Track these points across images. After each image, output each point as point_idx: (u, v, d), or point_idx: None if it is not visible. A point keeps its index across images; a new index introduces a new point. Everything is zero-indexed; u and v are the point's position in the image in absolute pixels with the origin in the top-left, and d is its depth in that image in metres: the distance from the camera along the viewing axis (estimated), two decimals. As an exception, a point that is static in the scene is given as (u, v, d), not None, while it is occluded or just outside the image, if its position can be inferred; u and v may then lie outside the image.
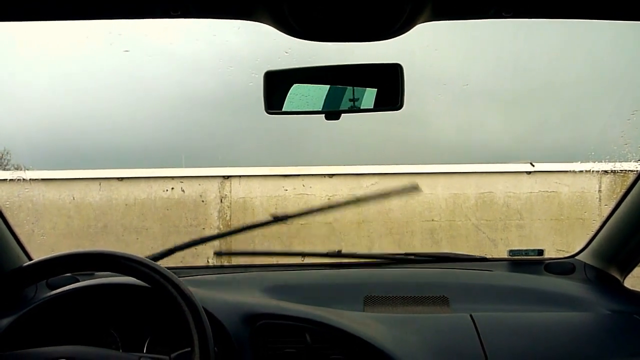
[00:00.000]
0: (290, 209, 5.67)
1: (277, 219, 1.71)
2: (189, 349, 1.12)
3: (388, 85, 1.28)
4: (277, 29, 1.07)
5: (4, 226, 1.52)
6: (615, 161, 4.63)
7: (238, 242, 5.64)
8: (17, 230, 1.58)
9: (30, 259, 1.62)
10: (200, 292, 1.33)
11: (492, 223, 5.74)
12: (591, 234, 1.74)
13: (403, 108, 1.29)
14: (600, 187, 5.70)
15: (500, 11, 1.04)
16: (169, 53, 5.65)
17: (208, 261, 5.46)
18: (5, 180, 5.19)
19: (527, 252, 1.77)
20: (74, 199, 5.56)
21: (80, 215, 5.54)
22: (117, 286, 1.38)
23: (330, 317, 1.40)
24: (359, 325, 1.39)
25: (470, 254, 1.83)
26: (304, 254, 1.88)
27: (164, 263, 1.39)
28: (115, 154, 6.08)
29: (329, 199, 5.70)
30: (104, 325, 1.42)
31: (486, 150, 6.20)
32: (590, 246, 1.74)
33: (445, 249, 5.61)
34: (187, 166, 5.77)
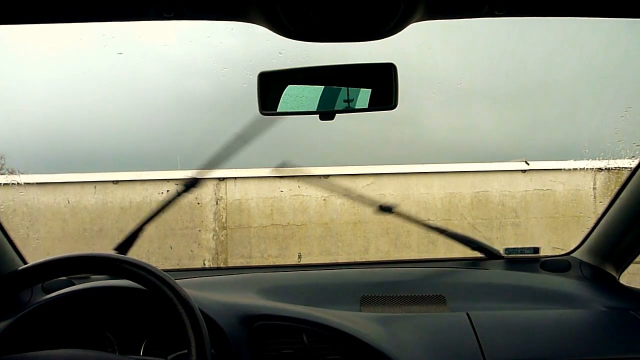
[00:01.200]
0: (286, 210, 5.67)
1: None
2: (186, 351, 1.11)
3: (382, 85, 1.28)
4: (271, 30, 1.07)
5: (-2, 230, 1.51)
6: (609, 158, 4.65)
7: (234, 244, 5.65)
8: (12, 234, 1.57)
9: (25, 262, 1.61)
10: (197, 294, 1.32)
11: (487, 222, 5.76)
12: (586, 231, 1.74)
13: (397, 108, 1.29)
14: (594, 184, 5.72)
15: (492, 10, 1.05)
16: (163, 55, 5.64)
17: (204, 263, 5.46)
18: (-1, 184, 5.18)
19: (522, 250, 1.77)
20: (69, 202, 5.55)
21: (76, 218, 5.53)
22: (113, 289, 1.37)
23: (327, 318, 1.40)
24: (356, 325, 1.39)
25: (466, 253, 1.83)
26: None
27: (159, 265, 1.39)
28: (110, 157, 6.07)
29: (324, 200, 5.70)
30: (100, 328, 1.41)
31: (481, 149, 6.22)
32: (585, 243, 1.74)
33: (441, 248, 5.62)
34: (182, 168, 5.77)
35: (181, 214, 5.61)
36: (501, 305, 1.56)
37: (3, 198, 5.12)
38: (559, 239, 5.64)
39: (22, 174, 5.56)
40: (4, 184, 5.18)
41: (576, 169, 5.64)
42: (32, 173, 5.58)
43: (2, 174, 5.86)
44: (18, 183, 5.23)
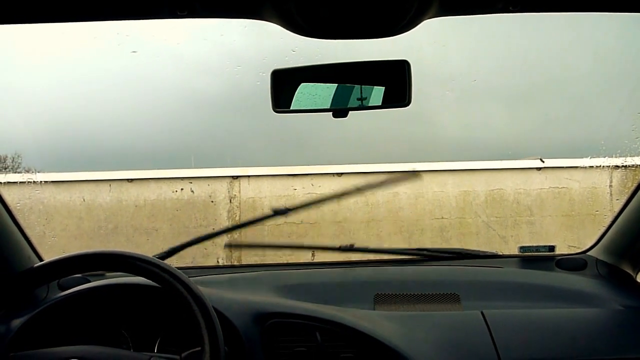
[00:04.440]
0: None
1: (278, 213, 1.71)
2: (200, 348, 1.12)
3: (395, 82, 1.28)
4: (284, 28, 1.07)
5: (15, 228, 1.53)
6: (626, 156, 4.59)
7: (248, 241, 5.65)
8: (28, 231, 1.59)
9: (41, 260, 1.63)
10: (211, 292, 1.33)
11: (502, 220, 5.71)
12: (602, 229, 1.72)
13: (411, 105, 1.29)
14: (611, 182, 5.66)
15: (507, 6, 1.04)
16: (177, 54, 5.67)
17: (218, 261, 5.48)
18: (16, 182, 5.23)
19: (538, 248, 1.76)
20: (84, 200, 5.60)
21: (91, 216, 5.58)
22: (127, 286, 1.38)
23: (340, 316, 1.39)
24: (370, 324, 1.39)
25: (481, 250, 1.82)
26: (313, 247, 1.87)
27: (173, 263, 1.40)
28: (125, 155, 6.11)
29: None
30: (115, 325, 1.42)
31: (496, 146, 6.18)
32: (601, 242, 1.73)
33: (455, 246, 5.59)
34: (196, 167, 5.80)
35: (195, 212, 5.64)
36: (516, 304, 1.54)
37: (20, 196, 5.16)
38: (575, 237, 5.59)
39: (38, 172, 5.62)
40: (21, 182, 5.24)
41: (592, 166, 5.58)
42: (48, 171, 5.63)
43: (18, 173, 5.92)
44: (34, 181, 5.28)
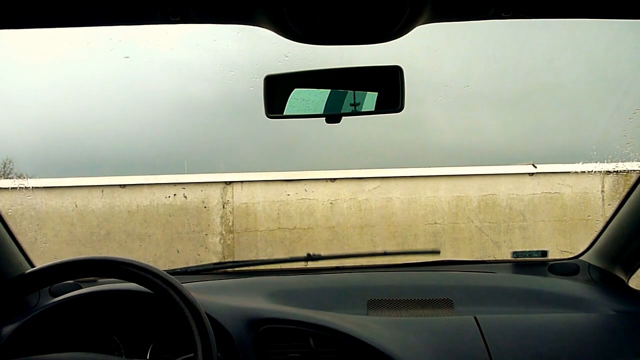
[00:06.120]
0: (293, 213, 5.67)
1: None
2: (192, 354, 1.11)
3: (388, 88, 1.28)
4: (277, 33, 1.07)
5: (6, 234, 1.52)
6: (617, 161, 4.62)
7: (241, 247, 5.65)
8: (19, 238, 1.58)
9: (32, 266, 1.62)
10: (203, 298, 1.32)
11: (495, 225, 5.72)
12: (595, 234, 1.73)
13: (404, 110, 1.29)
14: (603, 187, 5.69)
15: (499, 12, 1.04)
16: (170, 59, 5.66)
17: (211, 267, 5.45)
18: (7, 188, 5.21)
19: (530, 253, 1.76)
20: (76, 206, 5.56)
21: (83, 222, 5.55)
22: (119, 292, 1.38)
23: (334, 322, 1.39)
24: (363, 329, 1.39)
25: (474, 256, 1.82)
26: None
27: (166, 269, 1.39)
28: (118, 160, 6.09)
29: (331, 203, 5.69)
30: (107, 332, 1.42)
31: (488, 152, 6.20)
32: (594, 247, 1.73)
33: (448, 251, 5.60)
34: (189, 172, 5.78)
35: (188, 218, 5.62)
36: (509, 309, 1.55)
37: (11, 202, 5.14)
38: (567, 242, 5.61)
39: (30, 178, 5.59)
40: (12, 188, 5.21)
41: (584, 171, 5.61)
42: (40, 177, 5.61)
43: (10, 178, 5.89)
44: (26, 187, 5.25)
